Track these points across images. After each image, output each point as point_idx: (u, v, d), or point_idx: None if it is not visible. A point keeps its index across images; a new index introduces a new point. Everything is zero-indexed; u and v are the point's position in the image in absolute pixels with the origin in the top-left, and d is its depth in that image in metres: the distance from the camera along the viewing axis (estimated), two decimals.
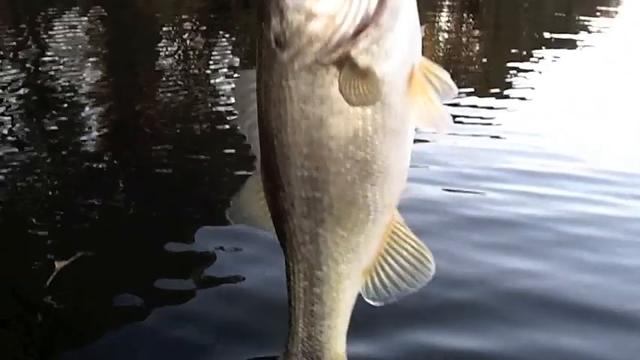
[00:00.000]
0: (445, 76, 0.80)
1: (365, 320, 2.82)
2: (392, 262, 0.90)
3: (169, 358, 2.67)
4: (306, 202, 0.83)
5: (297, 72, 0.76)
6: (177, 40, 10.85)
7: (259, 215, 0.91)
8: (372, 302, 0.93)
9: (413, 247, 0.89)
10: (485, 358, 2.70)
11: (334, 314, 0.92)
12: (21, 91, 6.83)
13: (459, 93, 7.00)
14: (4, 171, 4.42)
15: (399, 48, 0.77)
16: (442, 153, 5.02)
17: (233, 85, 0.89)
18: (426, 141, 5.36)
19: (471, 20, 15.52)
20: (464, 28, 14.13)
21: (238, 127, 0.89)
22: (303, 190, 0.82)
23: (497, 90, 7.47)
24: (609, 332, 2.90)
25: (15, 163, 4.55)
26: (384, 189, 0.83)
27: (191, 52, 9.92)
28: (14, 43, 9.93)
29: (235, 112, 0.89)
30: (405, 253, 0.89)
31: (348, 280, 0.90)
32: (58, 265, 3.08)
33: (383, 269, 0.90)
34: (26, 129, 5.54)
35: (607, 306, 3.07)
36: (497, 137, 5.57)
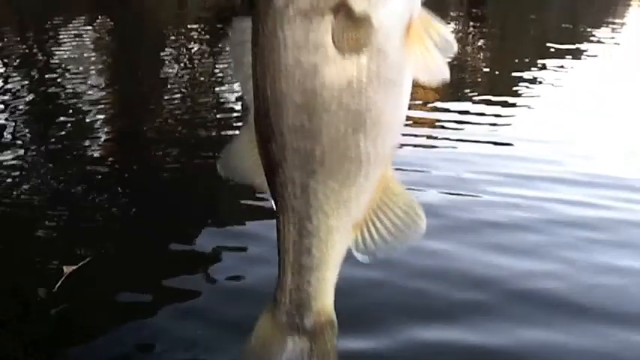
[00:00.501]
0: (445, 31, 0.79)
1: (372, 317, 2.90)
2: (383, 217, 0.88)
3: (177, 358, 2.68)
4: (297, 153, 0.82)
5: (292, 18, 0.75)
6: (182, 49, 10.91)
7: (250, 167, 0.90)
8: (360, 257, 0.91)
9: (405, 203, 0.88)
10: (492, 356, 2.77)
11: (323, 267, 0.91)
12: (27, 98, 6.89)
13: (465, 100, 7.16)
14: (13, 175, 4.43)
15: None
16: (446, 159, 5.11)
17: (229, 35, 0.89)
18: (431, 147, 5.40)
19: (476, 30, 15.52)
20: (470, 38, 14.13)
21: (234, 80, 0.90)
22: (295, 141, 0.81)
23: (502, 98, 7.51)
24: (610, 331, 2.95)
25: (22, 168, 4.60)
26: (378, 141, 0.82)
27: (196, 61, 9.97)
28: (21, 51, 10.00)
29: (230, 62, 0.90)
30: (396, 209, 0.88)
31: (337, 234, 0.89)
32: (67, 269, 3.09)
33: (374, 224, 0.89)
34: (32, 135, 5.57)
35: (607, 306, 3.13)
36: (502, 144, 5.63)
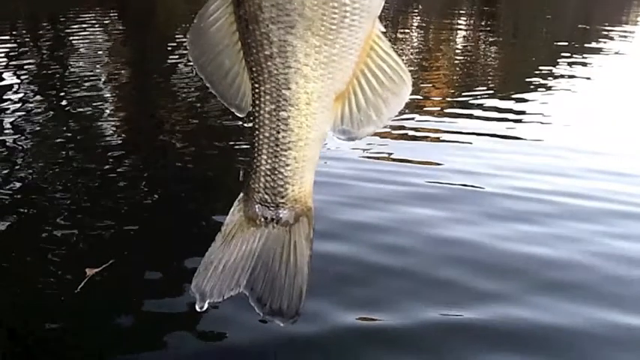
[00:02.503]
0: None
1: (388, 302, 2.84)
2: (368, 86, 0.79)
3: None
4: (275, 2, 0.72)
5: None
6: None
7: (224, 38, 0.79)
8: (342, 135, 0.82)
9: (391, 66, 0.78)
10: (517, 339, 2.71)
11: (301, 143, 0.81)
12: (42, 98, 6.84)
13: (477, 96, 7.10)
14: (31, 176, 4.37)
15: None
16: (460, 153, 5.05)
17: None
18: (444, 141, 5.37)
19: (489, 28, 15.44)
20: (481, 36, 14.06)
21: None
22: None
23: (514, 96, 7.44)
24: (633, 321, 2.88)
25: (40, 170, 4.50)
26: None
27: None
28: (31, 50, 10.01)
29: None
30: (382, 76, 0.78)
31: (318, 102, 0.79)
32: (89, 271, 3.02)
33: (358, 94, 0.79)
34: (46, 136, 5.50)
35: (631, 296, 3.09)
36: (514, 138, 5.60)
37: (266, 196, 0.84)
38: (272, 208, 0.85)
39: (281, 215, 0.85)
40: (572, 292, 3.08)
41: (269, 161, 0.82)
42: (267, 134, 0.80)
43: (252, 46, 0.77)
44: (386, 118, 0.80)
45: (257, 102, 0.80)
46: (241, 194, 0.86)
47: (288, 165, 0.81)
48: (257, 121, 0.80)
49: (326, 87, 0.78)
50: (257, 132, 0.81)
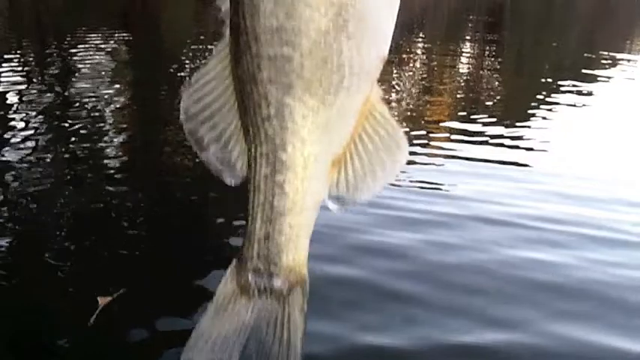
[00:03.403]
0: None
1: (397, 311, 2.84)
2: (365, 149, 0.77)
3: None
4: (274, 63, 0.71)
5: None
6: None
7: (220, 98, 0.78)
8: (336, 203, 0.80)
9: (388, 131, 0.77)
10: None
11: (297, 209, 0.79)
12: (45, 117, 6.86)
13: (481, 122, 7.12)
14: (37, 200, 4.35)
15: None
16: (460, 188, 4.98)
17: None
18: (432, 164, 5.35)
19: (492, 55, 15.49)
20: (485, 62, 14.11)
21: None
22: (271, 46, 0.71)
23: (518, 123, 7.46)
24: None
25: (47, 193, 4.48)
26: (362, 45, 0.72)
27: None
28: (40, 65, 10.08)
29: None
30: (377, 140, 0.77)
31: (315, 166, 0.77)
32: (102, 301, 2.98)
33: (354, 159, 0.78)
34: (53, 156, 5.50)
35: None
36: (516, 164, 5.59)
37: (259, 265, 0.81)
38: (265, 278, 0.82)
39: (275, 285, 0.82)
40: (582, 320, 3.11)
41: (263, 227, 0.80)
42: (261, 199, 0.78)
43: (250, 106, 0.75)
44: (382, 184, 0.79)
45: (252, 165, 0.78)
46: (234, 261, 0.84)
47: (282, 232, 0.79)
48: (252, 185, 0.79)
49: (323, 151, 0.76)
50: (251, 197, 0.79)
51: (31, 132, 6.05)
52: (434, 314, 3.10)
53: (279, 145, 0.76)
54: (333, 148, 0.77)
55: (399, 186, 4.76)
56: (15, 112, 6.87)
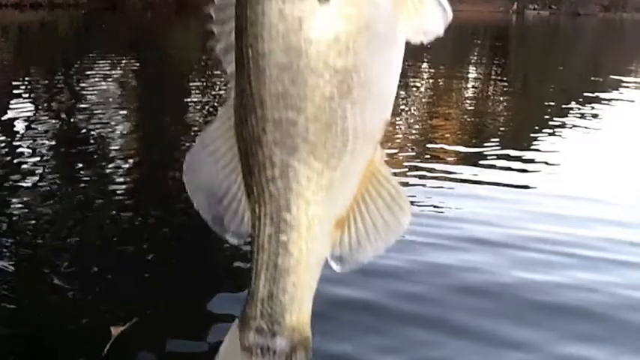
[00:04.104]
0: None
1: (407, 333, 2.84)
2: (368, 212, 0.78)
3: None
4: (279, 126, 0.72)
5: None
6: (207, 94, 11.01)
7: (223, 160, 0.79)
8: (338, 262, 0.80)
9: (391, 194, 0.77)
10: None
11: (300, 269, 0.79)
12: (53, 143, 6.93)
13: (488, 145, 7.14)
14: (44, 228, 4.36)
15: None
16: (465, 211, 4.99)
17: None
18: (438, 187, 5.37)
19: (499, 78, 15.55)
20: (492, 85, 14.17)
21: (215, 50, 0.80)
22: (276, 110, 0.72)
23: (525, 146, 7.49)
24: None
25: (56, 221, 4.50)
26: (366, 110, 0.73)
27: (219, 107, 10.02)
28: (47, 93, 10.18)
29: (212, 31, 0.80)
30: (381, 203, 0.78)
31: (319, 227, 0.77)
32: (115, 330, 2.96)
33: (357, 220, 0.79)
34: (60, 183, 5.54)
35: None
36: (523, 196, 5.51)
37: (262, 324, 0.81)
38: (269, 337, 0.81)
39: (277, 345, 0.81)
40: (588, 341, 3.11)
41: (267, 286, 0.80)
42: (265, 258, 0.79)
43: (254, 167, 0.76)
44: (385, 246, 0.79)
45: (256, 225, 0.79)
46: (236, 320, 0.84)
47: (286, 291, 0.79)
48: (255, 244, 0.79)
49: (327, 211, 0.77)
50: (255, 256, 0.80)
51: (39, 158, 6.11)
52: (441, 336, 3.11)
53: (284, 206, 0.76)
54: (336, 209, 0.78)
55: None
56: (22, 138, 6.94)
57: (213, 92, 11.27)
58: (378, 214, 0.78)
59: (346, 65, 0.70)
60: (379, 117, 0.75)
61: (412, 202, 4.91)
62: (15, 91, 10.04)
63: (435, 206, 4.95)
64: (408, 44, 0.74)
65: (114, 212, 4.73)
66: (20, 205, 4.81)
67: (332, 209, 0.77)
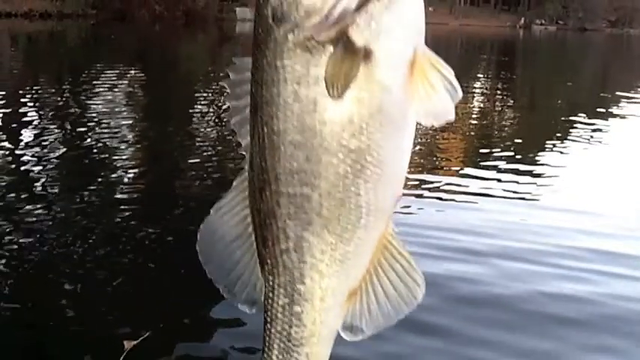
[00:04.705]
0: (449, 72, 0.72)
1: None
2: (381, 284, 0.79)
3: None
4: (293, 200, 0.74)
5: (293, 49, 0.70)
6: (212, 106, 11.06)
7: (236, 231, 0.81)
8: (350, 332, 0.81)
9: (405, 267, 0.78)
10: None
11: (314, 340, 0.80)
12: (61, 151, 6.96)
13: (494, 160, 7.15)
14: (52, 238, 4.35)
15: (399, 28, 0.71)
16: (477, 225, 4.96)
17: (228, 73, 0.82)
18: (448, 200, 5.38)
19: (505, 93, 15.56)
20: (498, 100, 14.19)
21: (229, 123, 0.82)
22: (291, 186, 0.73)
23: (531, 160, 7.50)
24: None
25: (61, 228, 4.51)
26: (379, 188, 0.75)
27: (226, 118, 10.05)
28: (55, 103, 10.23)
29: (227, 103, 0.82)
30: (395, 275, 0.79)
31: (332, 299, 0.79)
32: (128, 344, 2.98)
33: (370, 292, 0.79)
34: (66, 194, 5.55)
35: None
36: (530, 211, 5.50)
37: None
38: None
39: None
40: (606, 353, 3.14)
41: (280, 357, 0.81)
42: (279, 328, 0.80)
43: (268, 239, 0.77)
44: (397, 317, 0.80)
45: (270, 295, 0.80)
46: None
47: None
48: (269, 314, 0.80)
49: (340, 284, 0.78)
50: (268, 326, 0.80)
51: (46, 166, 6.14)
52: (460, 346, 3.13)
53: (298, 278, 0.78)
54: (349, 281, 0.79)
55: (414, 222, 4.77)
56: (30, 146, 6.98)
57: (219, 103, 11.31)
58: (391, 286, 0.78)
59: (360, 146, 0.72)
60: (391, 193, 0.77)
61: (414, 213, 4.97)
62: (23, 100, 10.10)
63: (437, 218, 4.97)
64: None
65: (124, 223, 4.72)
66: (27, 213, 4.81)
67: (345, 281, 0.78)
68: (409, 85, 0.72)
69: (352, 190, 0.73)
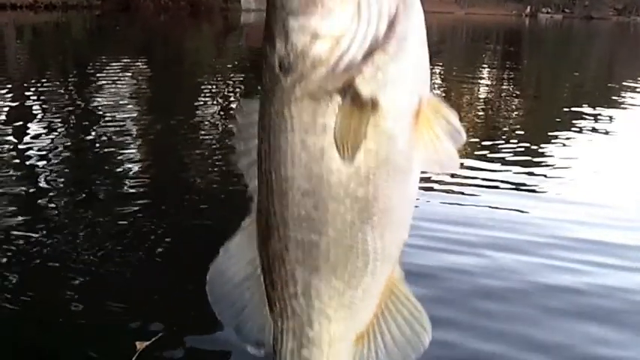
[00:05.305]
0: (455, 119, 0.73)
1: None
2: (388, 328, 0.80)
3: None
4: (301, 246, 0.75)
5: (300, 99, 0.71)
6: (219, 96, 11.05)
7: (244, 274, 0.82)
8: None
9: (412, 312, 0.79)
10: None
11: None
12: (66, 143, 6.98)
13: (499, 149, 7.13)
14: (59, 237, 4.34)
15: (405, 78, 0.72)
16: (482, 217, 4.97)
17: (234, 115, 0.83)
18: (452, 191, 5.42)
19: (511, 82, 15.50)
20: (504, 88, 14.15)
21: (237, 165, 0.83)
22: (299, 232, 0.74)
23: (536, 149, 7.50)
24: None
25: (71, 232, 4.46)
26: (385, 234, 0.76)
27: (231, 110, 10.04)
28: (60, 96, 10.25)
29: (234, 146, 0.83)
30: (402, 320, 0.80)
31: (340, 343, 0.80)
32: (139, 345, 2.98)
33: (377, 335, 0.80)
34: (73, 186, 5.57)
35: None
36: (536, 203, 5.48)
37: None
38: None
39: None
40: (615, 346, 3.15)
41: None
42: None
43: (277, 282, 0.78)
44: None
45: (278, 338, 0.81)
46: None
47: None
48: (277, 357, 0.81)
49: (348, 328, 0.79)
50: None
51: (52, 159, 6.17)
52: (464, 338, 3.16)
53: (306, 322, 0.79)
54: (357, 325, 0.80)
55: (417, 214, 4.76)
56: (34, 139, 7.00)
57: (225, 94, 11.30)
58: (397, 331, 0.79)
59: (366, 194, 0.72)
60: (398, 239, 0.78)
61: (417, 205, 4.92)
62: (29, 92, 10.14)
63: (444, 210, 4.97)
64: None
65: (131, 217, 4.71)
66: (32, 207, 4.86)
67: (353, 326, 0.79)
68: (415, 134, 0.73)
69: (359, 237, 0.74)
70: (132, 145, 7.15)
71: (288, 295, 0.78)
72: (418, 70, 0.73)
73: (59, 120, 8.31)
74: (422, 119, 0.73)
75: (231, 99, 10.91)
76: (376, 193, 0.73)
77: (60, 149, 6.66)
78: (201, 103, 10.27)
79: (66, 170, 5.93)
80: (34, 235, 4.33)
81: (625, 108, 11.14)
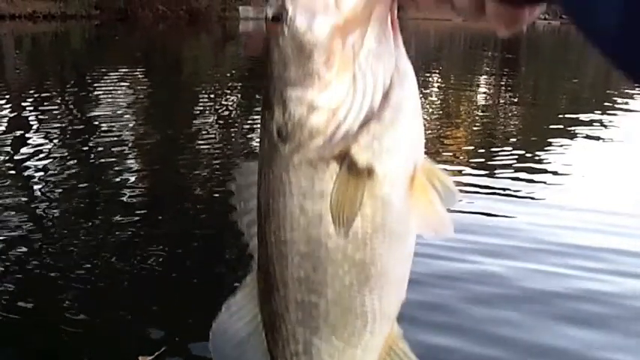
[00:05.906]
0: (447, 180, 0.75)
1: None
2: None
3: None
4: (301, 307, 0.77)
5: (298, 166, 0.73)
6: (217, 105, 11.06)
7: (247, 329, 0.84)
8: None
9: None
10: None
11: None
12: (65, 153, 7.00)
13: (497, 155, 7.14)
14: (62, 247, 4.37)
15: (400, 146, 0.74)
16: (476, 224, 4.97)
17: (233, 176, 0.85)
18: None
19: (509, 88, 15.52)
20: (502, 95, 14.17)
21: (237, 223, 0.85)
22: (299, 293, 0.77)
23: (533, 156, 7.55)
24: None
25: (76, 244, 4.49)
26: (383, 296, 0.78)
27: (229, 119, 10.05)
28: (60, 104, 10.27)
29: (234, 205, 0.85)
30: None
31: None
32: None
33: None
34: (73, 195, 5.58)
35: None
36: (536, 210, 5.54)
37: None
38: None
39: None
40: (618, 351, 3.21)
41: None
42: None
43: (278, 340, 0.81)
44: None
45: None
46: None
47: None
48: None
49: None
50: None
51: (51, 169, 6.19)
52: (457, 343, 3.22)
53: None
54: None
55: None
56: (33, 148, 7.02)
57: (223, 103, 11.31)
58: None
59: (364, 258, 0.75)
60: (396, 299, 0.80)
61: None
62: (27, 101, 10.16)
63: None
64: None
65: (131, 227, 4.75)
66: (31, 217, 4.89)
67: None
68: (410, 199, 0.75)
69: (358, 298, 0.76)
70: (130, 155, 7.17)
71: (289, 354, 0.80)
72: (413, 138, 0.75)
73: (58, 130, 8.33)
74: (417, 184, 0.75)
75: (230, 108, 10.92)
76: (373, 256, 0.75)
77: (58, 159, 6.68)
78: (200, 112, 10.29)
79: (64, 180, 5.94)
80: (32, 245, 4.34)
81: (623, 114, 11.15)
